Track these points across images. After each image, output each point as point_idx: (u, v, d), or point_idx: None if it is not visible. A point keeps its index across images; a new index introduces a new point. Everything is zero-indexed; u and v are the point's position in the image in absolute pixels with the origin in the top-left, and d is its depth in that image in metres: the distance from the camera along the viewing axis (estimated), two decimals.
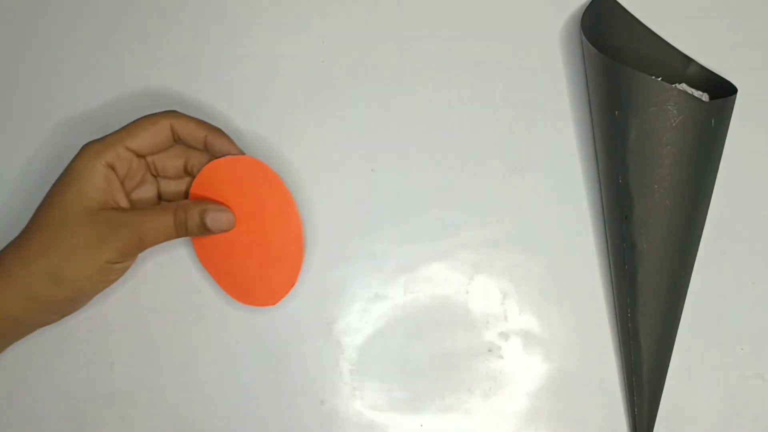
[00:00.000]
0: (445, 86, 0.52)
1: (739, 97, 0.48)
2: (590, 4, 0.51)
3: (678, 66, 0.51)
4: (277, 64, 0.53)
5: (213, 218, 0.46)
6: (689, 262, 0.48)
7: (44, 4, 0.53)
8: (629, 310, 0.48)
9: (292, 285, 0.48)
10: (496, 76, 0.53)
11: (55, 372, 0.49)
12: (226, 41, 0.53)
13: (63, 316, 0.46)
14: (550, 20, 0.53)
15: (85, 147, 0.45)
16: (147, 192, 0.48)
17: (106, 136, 0.45)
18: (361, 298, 0.50)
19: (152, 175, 0.48)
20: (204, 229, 0.45)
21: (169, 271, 0.48)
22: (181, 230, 0.45)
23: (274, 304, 0.48)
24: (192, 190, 0.47)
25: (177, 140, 0.47)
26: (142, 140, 0.45)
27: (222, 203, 0.47)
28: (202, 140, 0.46)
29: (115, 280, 0.46)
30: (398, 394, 0.49)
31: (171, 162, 0.48)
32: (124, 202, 0.46)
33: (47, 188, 0.45)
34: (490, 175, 0.51)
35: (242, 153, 0.47)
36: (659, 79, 0.49)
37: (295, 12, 0.54)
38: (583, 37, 0.49)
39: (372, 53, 0.53)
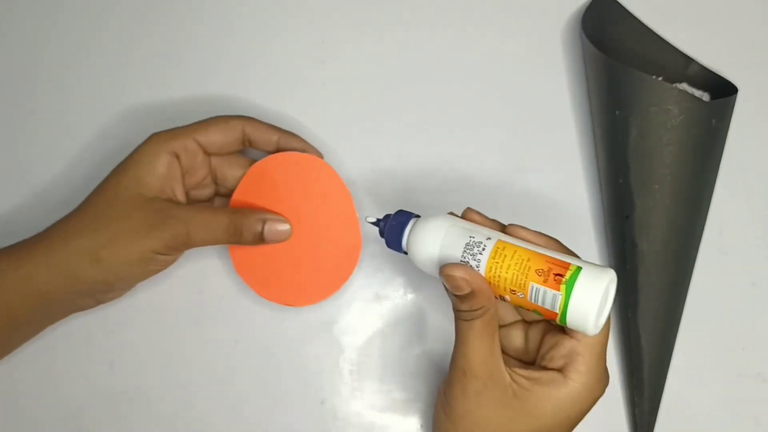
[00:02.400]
0: (446, 86, 0.52)
1: (739, 97, 0.48)
2: (590, 4, 0.51)
3: (679, 66, 0.51)
4: (277, 64, 0.53)
5: (271, 229, 0.44)
6: (690, 261, 0.48)
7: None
8: (629, 310, 0.48)
9: (344, 280, 0.46)
10: (496, 76, 0.53)
11: (54, 372, 0.49)
12: (224, 42, 0.53)
13: (99, 302, 0.45)
14: (550, 20, 0.53)
15: (154, 135, 0.44)
16: (206, 195, 0.47)
17: (177, 127, 0.44)
18: (361, 298, 0.50)
19: (213, 182, 0.47)
20: (259, 239, 0.44)
21: (170, 271, 0.48)
22: (233, 236, 0.43)
23: (319, 301, 0.47)
24: (236, 193, 0.46)
25: (246, 145, 0.46)
26: (212, 135, 0.45)
27: (268, 206, 0.45)
28: (274, 143, 0.46)
29: (157, 271, 0.44)
30: (398, 395, 0.49)
31: (232, 172, 0.46)
32: (181, 195, 0.45)
33: (106, 173, 0.44)
34: (491, 175, 0.51)
35: (318, 153, 0.47)
36: (660, 79, 0.49)
37: (295, 12, 0.54)
38: (584, 37, 0.49)
39: (372, 54, 0.53)
